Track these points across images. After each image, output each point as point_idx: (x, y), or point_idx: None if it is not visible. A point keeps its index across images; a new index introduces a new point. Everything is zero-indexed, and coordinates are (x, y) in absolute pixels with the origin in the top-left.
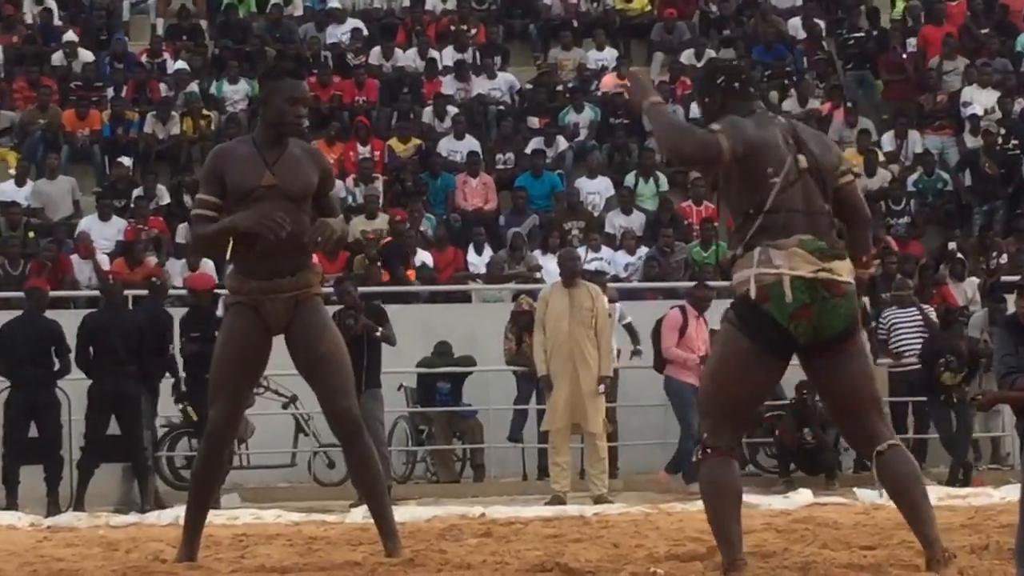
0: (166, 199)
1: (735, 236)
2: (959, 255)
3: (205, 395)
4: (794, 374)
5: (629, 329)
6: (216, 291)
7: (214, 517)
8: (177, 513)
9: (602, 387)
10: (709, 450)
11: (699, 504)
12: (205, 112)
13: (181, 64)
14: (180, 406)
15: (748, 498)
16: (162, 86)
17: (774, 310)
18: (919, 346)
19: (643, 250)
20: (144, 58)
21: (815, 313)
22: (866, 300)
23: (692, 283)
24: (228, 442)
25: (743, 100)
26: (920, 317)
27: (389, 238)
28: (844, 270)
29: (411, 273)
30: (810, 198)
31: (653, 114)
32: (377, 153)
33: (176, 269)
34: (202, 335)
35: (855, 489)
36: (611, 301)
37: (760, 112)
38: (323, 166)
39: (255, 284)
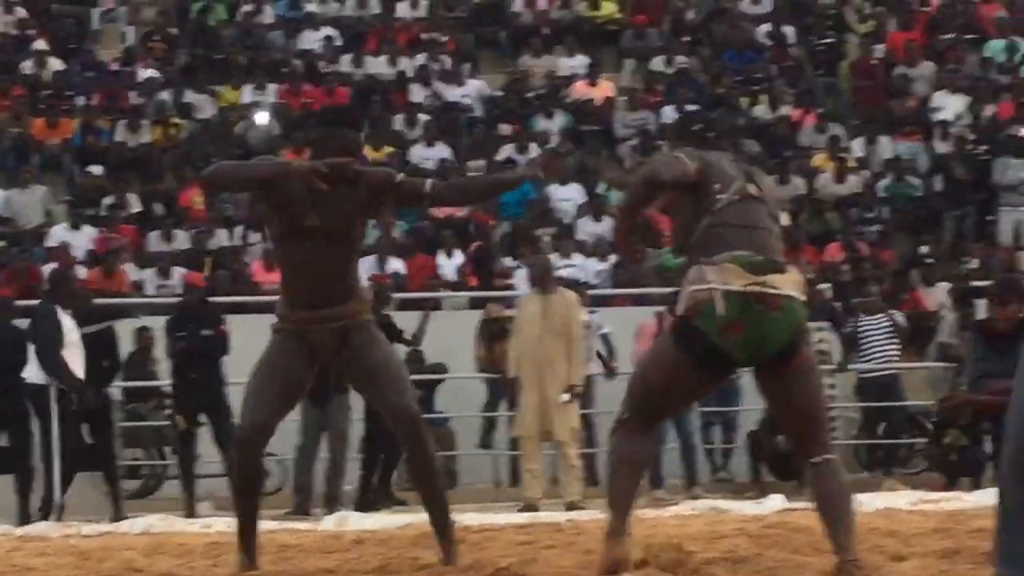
0: (137, 207)
1: (679, 251)
2: (930, 260)
3: (193, 400)
4: None
5: (606, 341)
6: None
7: (187, 525)
8: (148, 522)
9: (566, 396)
10: (623, 422)
11: (672, 509)
12: (175, 120)
13: (151, 72)
14: (167, 413)
15: (720, 503)
16: (132, 95)
17: (705, 325)
18: (890, 351)
19: (614, 257)
20: (115, 66)
21: (748, 327)
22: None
23: (665, 289)
24: (259, 451)
25: (713, 147)
26: (889, 324)
27: None
28: (784, 283)
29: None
30: (753, 216)
31: (614, 178)
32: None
33: (148, 278)
34: (189, 334)
35: None
36: (590, 311)
37: (731, 158)
38: (367, 181)
39: (302, 314)
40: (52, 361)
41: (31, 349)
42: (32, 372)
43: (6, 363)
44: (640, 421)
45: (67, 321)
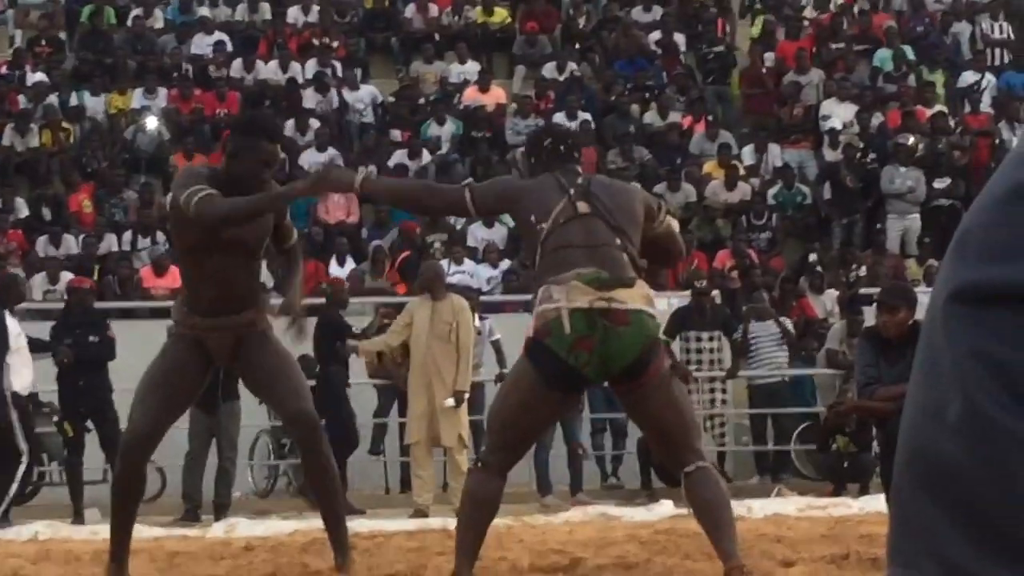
0: (24, 212)
1: (533, 281)
2: (818, 268)
3: (80, 406)
4: None
5: (496, 347)
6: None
7: (74, 532)
8: (35, 529)
9: (450, 401)
10: (481, 464)
11: (564, 515)
12: (64, 125)
13: (40, 76)
14: (55, 420)
15: (610, 510)
16: (21, 98)
17: (554, 343)
18: (779, 357)
19: (505, 263)
20: (3, 69)
21: (596, 343)
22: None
23: None
24: (144, 458)
25: (565, 161)
26: (778, 330)
27: None
28: (631, 297)
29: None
30: (591, 233)
31: (371, 187)
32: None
33: (37, 283)
34: (75, 341)
35: None
36: (482, 318)
37: (570, 174)
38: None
39: (201, 320)
40: None
41: None
42: None
43: None
44: (499, 461)
45: (14, 327)
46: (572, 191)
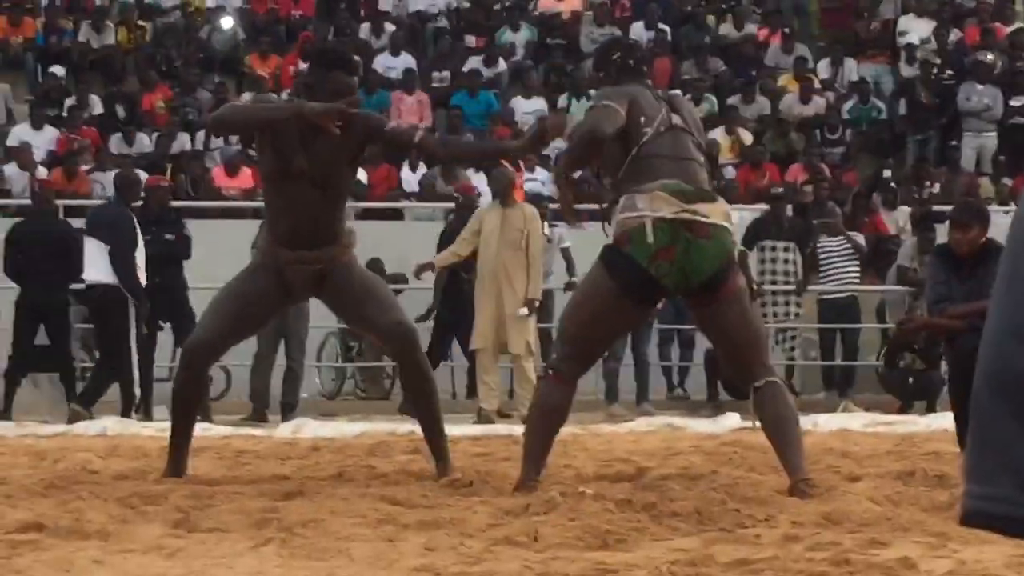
0: (99, 109)
1: (612, 189)
2: (892, 184)
3: (155, 305)
4: None
5: (566, 256)
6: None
7: (142, 429)
8: (104, 424)
9: (523, 310)
10: (552, 372)
11: (629, 425)
12: (140, 23)
13: None
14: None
15: (676, 421)
16: None
17: (635, 252)
18: (850, 272)
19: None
20: None
21: (677, 254)
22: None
23: None
24: (204, 368)
25: (634, 76)
26: (849, 245)
27: None
28: (713, 212)
29: None
30: (680, 147)
31: (572, 134)
32: None
33: (109, 180)
34: (152, 239)
35: None
36: (552, 225)
37: (652, 91)
38: (357, 128)
39: (281, 252)
40: (126, 266)
41: (96, 249)
42: (100, 273)
43: None
44: (569, 369)
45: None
46: (663, 102)
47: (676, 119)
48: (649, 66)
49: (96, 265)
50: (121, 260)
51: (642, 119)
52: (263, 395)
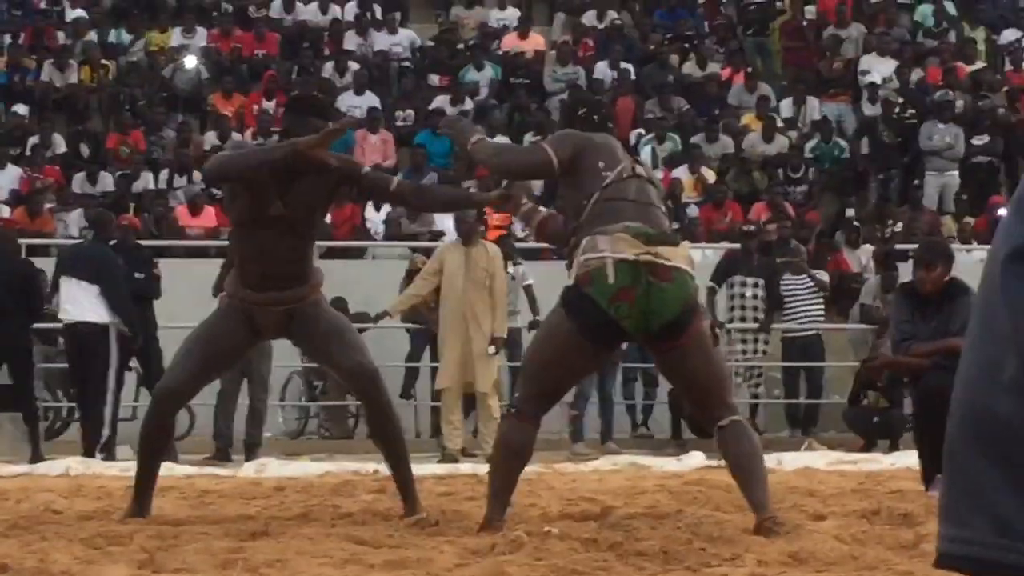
0: (62, 148)
1: (573, 232)
2: (855, 222)
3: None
4: None
5: (529, 294)
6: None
7: (106, 469)
8: (66, 464)
9: (492, 348)
10: (514, 411)
11: (594, 464)
12: (103, 62)
13: (79, 12)
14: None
15: (641, 459)
16: (60, 34)
17: (596, 293)
18: (814, 310)
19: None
20: (42, 5)
21: (638, 296)
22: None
23: None
24: (174, 409)
25: (600, 130)
26: (813, 283)
27: None
28: (675, 256)
29: None
30: (643, 193)
31: (478, 150)
32: (281, 109)
33: (73, 219)
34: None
35: None
36: (515, 264)
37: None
38: (335, 171)
39: (250, 295)
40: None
41: (77, 288)
42: (91, 313)
43: None
44: (532, 409)
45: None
46: (631, 154)
47: (639, 169)
48: (612, 117)
49: (77, 303)
50: (118, 298)
51: (600, 164)
52: (227, 434)
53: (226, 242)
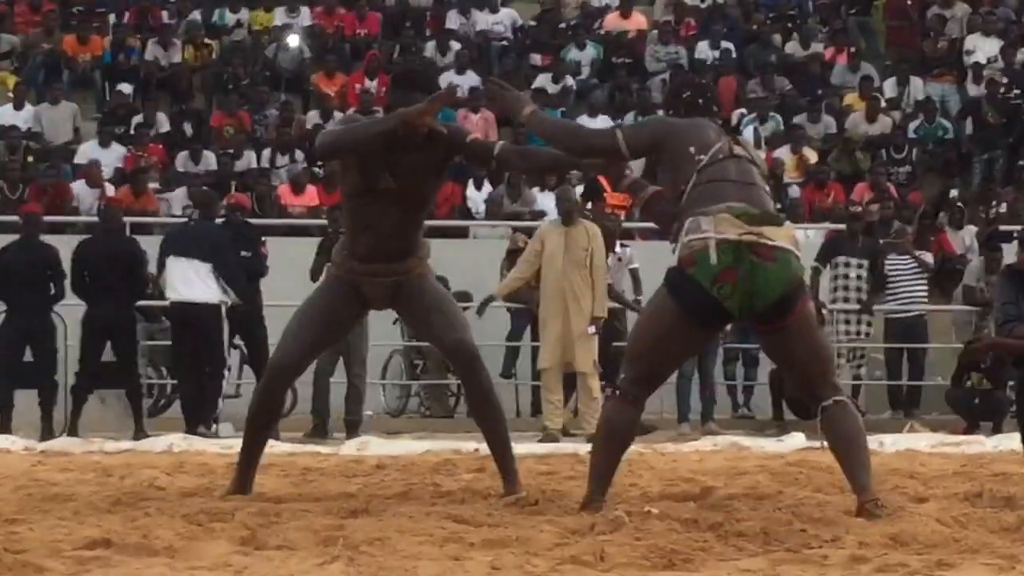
0: (166, 127)
1: (678, 216)
2: (958, 203)
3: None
4: None
5: (634, 276)
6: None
7: (209, 446)
8: (169, 441)
9: (592, 328)
10: (619, 393)
11: (694, 444)
12: (206, 41)
13: None
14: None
15: (742, 440)
16: (164, 13)
17: (699, 274)
18: (917, 292)
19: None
20: None
21: (740, 276)
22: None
23: None
24: (286, 385)
25: (704, 115)
26: (917, 265)
27: None
28: (779, 236)
29: None
30: (744, 173)
31: (535, 123)
32: (383, 88)
33: (176, 198)
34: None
35: None
36: (623, 245)
37: (713, 124)
38: (441, 141)
39: (358, 266)
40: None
41: (190, 268)
42: (205, 292)
43: (34, 279)
44: (635, 391)
45: None
46: (731, 135)
47: (738, 149)
48: (717, 100)
49: (189, 283)
50: (232, 274)
51: (691, 149)
52: (324, 410)
53: (325, 221)
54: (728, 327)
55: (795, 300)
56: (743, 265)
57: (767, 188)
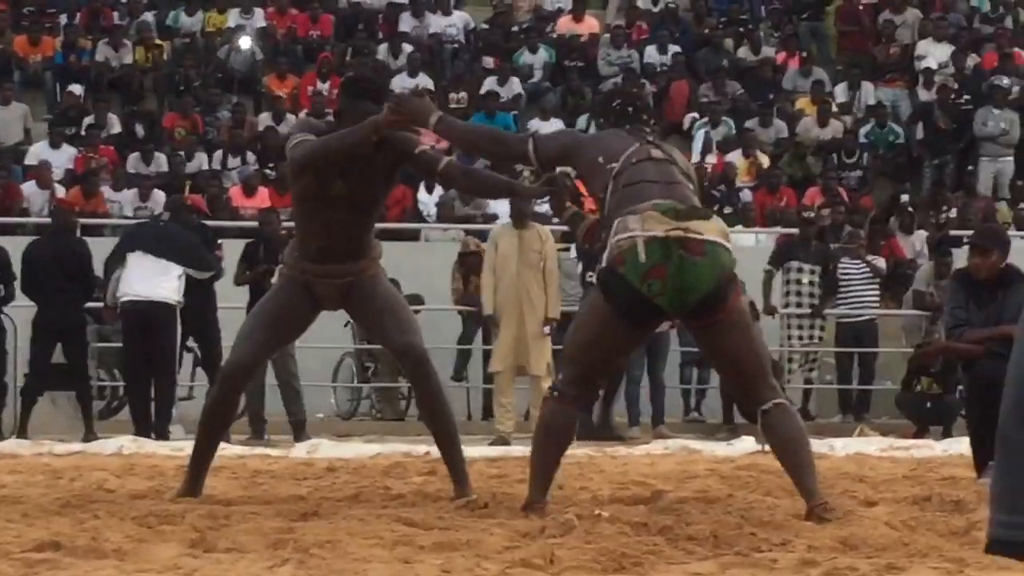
0: (117, 128)
1: (604, 221)
2: (909, 208)
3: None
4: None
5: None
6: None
7: (158, 448)
8: (120, 443)
9: (547, 329)
10: (556, 394)
11: (645, 448)
12: (158, 42)
13: None
14: None
15: (692, 444)
16: (115, 14)
17: (629, 272)
18: (869, 296)
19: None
20: None
21: (670, 272)
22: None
23: None
24: (239, 388)
25: (634, 123)
26: (868, 269)
27: None
28: (707, 229)
29: None
30: (664, 173)
31: (444, 130)
32: (335, 91)
33: (127, 199)
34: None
35: None
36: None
37: (637, 131)
38: (392, 147)
39: (310, 267)
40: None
41: (151, 265)
42: (164, 291)
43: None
44: (573, 391)
45: None
46: (645, 139)
47: (656, 152)
48: (649, 108)
49: (147, 280)
50: (204, 261)
51: (600, 159)
52: (258, 415)
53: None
54: (669, 326)
55: (726, 293)
56: (672, 261)
57: (691, 186)
